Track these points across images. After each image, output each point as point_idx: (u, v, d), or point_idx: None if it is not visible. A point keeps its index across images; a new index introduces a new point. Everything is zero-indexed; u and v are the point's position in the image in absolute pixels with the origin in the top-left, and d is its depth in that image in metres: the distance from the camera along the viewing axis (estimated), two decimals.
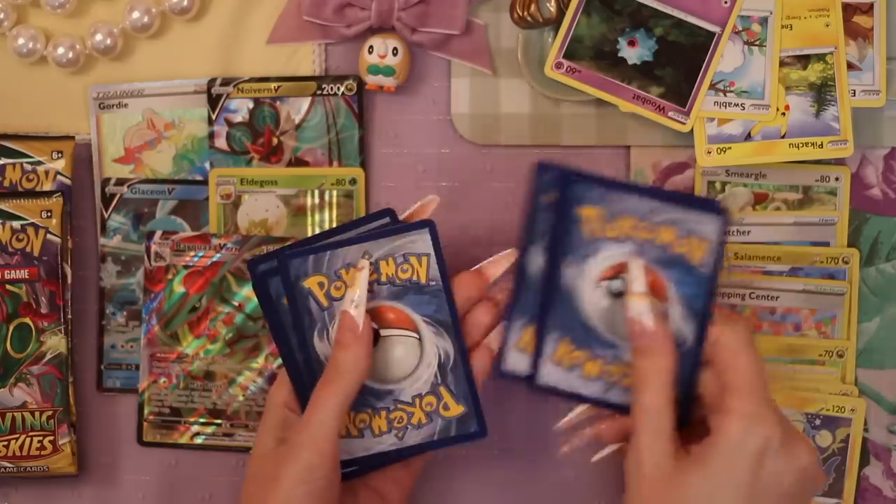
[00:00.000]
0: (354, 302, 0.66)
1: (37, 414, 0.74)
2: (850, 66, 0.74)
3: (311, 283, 0.67)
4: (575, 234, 0.65)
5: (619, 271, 0.66)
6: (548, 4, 0.75)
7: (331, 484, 0.64)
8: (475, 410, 0.68)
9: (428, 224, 0.67)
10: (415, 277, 0.67)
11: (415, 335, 0.68)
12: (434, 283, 0.67)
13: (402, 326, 0.68)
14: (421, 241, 0.67)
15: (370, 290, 0.67)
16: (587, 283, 0.66)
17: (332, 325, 0.67)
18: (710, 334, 0.65)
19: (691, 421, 0.66)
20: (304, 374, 0.67)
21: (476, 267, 0.69)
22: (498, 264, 0.69)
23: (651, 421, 0.63)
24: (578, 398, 0.67)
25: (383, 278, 0.67)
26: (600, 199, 0.65)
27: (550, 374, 0.67)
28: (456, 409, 0.68)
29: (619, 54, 0.75)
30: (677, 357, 0.64)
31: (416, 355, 0.68)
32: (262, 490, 0.65)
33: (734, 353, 0.64)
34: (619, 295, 0.66)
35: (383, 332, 0.67)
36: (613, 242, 0.65)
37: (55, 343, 0.74)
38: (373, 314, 0.67)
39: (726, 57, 0.74)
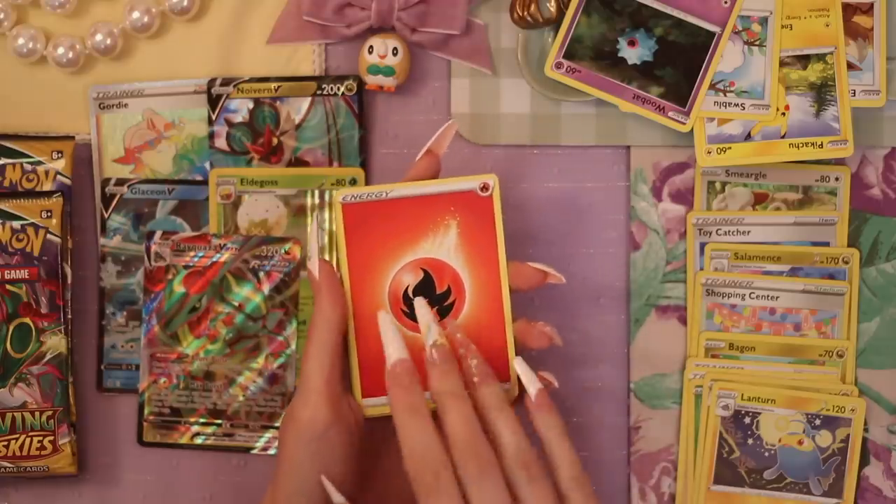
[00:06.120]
0: (308, 254, 0.65)
1: (37, 414, 0.74)
2: (850, 66, 0.74)
3: None
4: None
5: None
6: (548, 4, 0.75)
7: (335, 439, 0.64)
8: None
9: None
10: None
11: None
12: None
13: None
14: None
15: None
16: None
17: None
18: None
19: None
20: None
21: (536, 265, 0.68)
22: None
23: None
24: None
25: None
26: None
27: None
28: None
29: (619, 54, 0.75)
30: None
31: None
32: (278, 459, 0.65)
33: None
34: None
35: None
36: None
37: (55, 343, 0.74)
38: None
39: (726, 57, 0.74)
